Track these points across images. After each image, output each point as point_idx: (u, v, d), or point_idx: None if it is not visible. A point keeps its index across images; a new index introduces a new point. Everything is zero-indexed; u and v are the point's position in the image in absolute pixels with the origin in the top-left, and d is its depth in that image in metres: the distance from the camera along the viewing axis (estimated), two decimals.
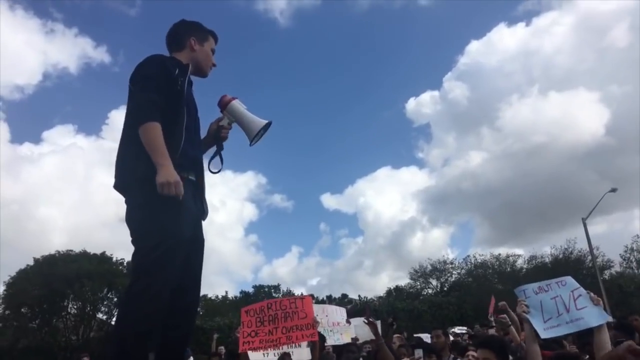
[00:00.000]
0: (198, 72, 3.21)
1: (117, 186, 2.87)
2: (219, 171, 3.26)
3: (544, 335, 3.45)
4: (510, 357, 4.11)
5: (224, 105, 3.22)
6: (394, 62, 76.30)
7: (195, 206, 2.96)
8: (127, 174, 2.82)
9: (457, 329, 15.29)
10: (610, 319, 3.33)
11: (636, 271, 34.84)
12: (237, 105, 3.22)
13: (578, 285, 3.54)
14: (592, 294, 3.42)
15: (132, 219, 2.79)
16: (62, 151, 57.70)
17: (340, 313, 8.89)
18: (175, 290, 2.69)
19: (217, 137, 3.29)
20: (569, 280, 3.59)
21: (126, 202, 2.85)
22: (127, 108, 2.97)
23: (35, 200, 49.63)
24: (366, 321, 5.83)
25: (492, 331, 8.67)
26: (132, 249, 2.73)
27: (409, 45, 78.04)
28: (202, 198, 3.08)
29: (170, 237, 2.66)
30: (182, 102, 2.92)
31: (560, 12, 69.17)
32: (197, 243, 2.96)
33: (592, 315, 3.35)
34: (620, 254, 35.57)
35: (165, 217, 2.67)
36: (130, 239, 2.78)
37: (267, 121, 3.24)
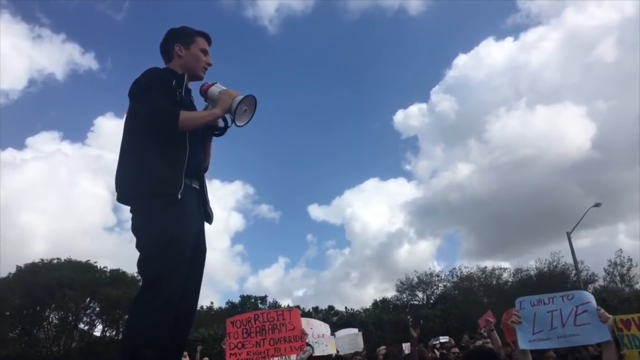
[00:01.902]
0: (192, 77, 3.16)
1: (121, 199, 2.87)
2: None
3: (526, 346, 3.44)
4: None
5: (203, 93, 3.11)
6: (382, 75, 76.95)
7: (198, 214, 2.98)
8: (131, 186, 2.84)
9: (441, 339, 15.30)
10: (609, 338, 3.28)
11: (620, 285, 35.19)
12: (215, 88, 3.07)
13: (589, 300, 3.43)
14: (601, 311, 3.35)
15: (137, 228, 2.81)
16: (45, 158, 57.14)
17: (324, 327, 9.07)
18: (179, 295, 2.71)
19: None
20: (579, 294, 3.53)
21: (131, 210, 2.85)
22: (127, 122, 2.96)
23: (17, 206, 48.87)
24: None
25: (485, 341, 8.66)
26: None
27: (397, 58, 78.90)
28: (206, 204, 3.12)
29: (175, 244, 2.69)
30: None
31: (547, 27, 70.30)
32: (199, 251, 2.97)
33: (591, 332, 3.30)
34: (604, 268, 35.96)
35: (170, 225, 2.69)
36: (135, 247, 2.79)
37: (243, 96, 2.99)
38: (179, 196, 2.78)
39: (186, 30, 3.20)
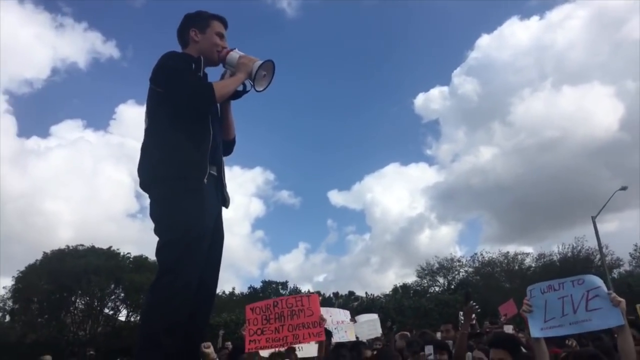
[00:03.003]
0: (208, 62, 3.13)
1: (142, 184, 2.90)
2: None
3: (538, 334, 3.37)
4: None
5: (222, 59, 3.12)
6: (402, 57, 75.99)
7: (217, 200, 2.99)
8: (150, 172, 2.86)
9: (461, 316, 15.15)
10: (623, 322, 3.19)
11: None
12: (234, 54, 3.09)
13: (599, 284, 3.34)
14: (613, 295, 3.26)
15: (156, 214, 2.83)
16: (69, 145, 58.14)
17: (343, 314, 9.06)
18: (198, 281, 2.74)
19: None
20: (589, 278, 3.43)
21: (150, 196, 2.88)
22: (150, 108, 2.97)
23: (42, 194, 50.05)
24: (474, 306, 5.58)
25: (507, 329, 8.55)
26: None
27: (417, 40, 77.79)
28: (223, 189, 3.12)
29: (194, 230, 2.71)
30: None
31: (574, 5, 68.66)
32: (217, 236, 2.99)
33: (604, 317, 3.23)
34: (630, 253, 35.33)
35: (188, 211, 2.71)
36: (154, 232, 2.82)
37: (262, 61, 3.04)
38: (205, 181, 2.81)
39: (202, 14, 3.18)
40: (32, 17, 62.84)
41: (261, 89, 3.11)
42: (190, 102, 2.84)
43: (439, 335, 8.65)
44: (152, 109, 2.97)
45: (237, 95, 3.16)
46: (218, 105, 3.15)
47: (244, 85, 3.10)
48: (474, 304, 5.56)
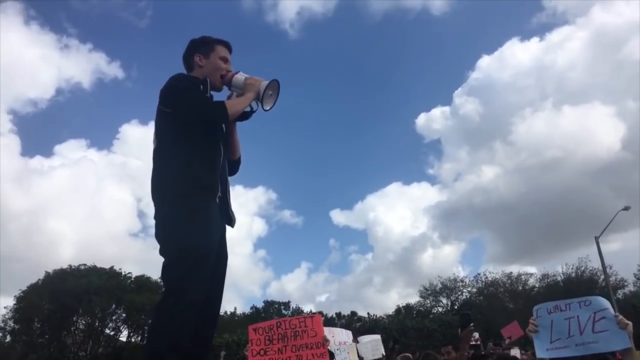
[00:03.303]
0: (212, 87, 3.17)
1: (155, 201, 2.92)
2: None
3: (544, 355, 3.36)
4: None
5: (228, 81, 3.17)
6: (404, 77, 76.70)
7: (221, 220, 3.00)
8: (158, 191, 2.89)
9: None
10: (630, 345, 3.19)
11: None
12: (239, 76, 3.15)
13: (607, 307, 3.33)
14: (620, 317, 3.25)
15: (162, 234, 2.83)
16: (72, 165, 58.34)
17: (346, 334, 9.01)
18: (203, 301, 2.74)
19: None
20: (596, 300, 3.42)
21: (155, 216, 2.89)
22: (160, 129, 3.00)
23: (45, 213, 50.10)
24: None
25: (513, 352, 8.48)
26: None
27: (419, 60, 78.46)
28: (229, 208, 3.13)
29: (199, 249, 2.71)
30: None
31: (574, 26, 69.22)
32: (221, 258, 3.00)
33: (611, 340, 3.22)
34: (634, 273, 35.08)
35: (194, 230, 2.73)
36: (159, 253, 2.82)
37: (268, 81, 3.11)
38: (217, 200, 2.86)
39: (206, 39, 3.23)
40: (38, 38, 63.97)
41: (268, 108, 3.17)
42: (204, 119, 2.90)
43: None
44: (160, 129, 3.00)
45: (245, 116, 3.20)
46: (223, 125, 3.20)
47: (251, 106, 3.15)
48: (472, 325, 5.50)
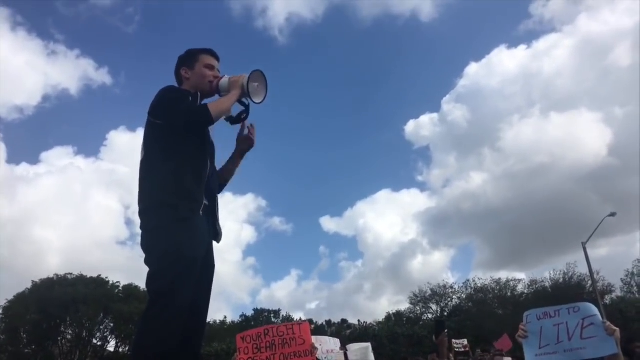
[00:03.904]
0: (203, 96, 3.17)
1: (139, 211, 2.90)
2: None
3: None
4: None
5: (215, 89, 3.14)
6: (393, 85, 77.38)
7: (207, 231, 2.99)
8: (144, 201, 2.88)
9: (455, 343, 14.96)
10: (617, 351, 3.24)
11: (637, 296, 34.60)
12: (224, 80, 3.12)
13: (595, 313, 3.37)
14: (607, 324, 3.30)
15: (147, 243, 2.82)
16: (59, 172, 57.99)
17: (333, 342, 9.05)
18: (190, 309, 2.73)
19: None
20: (585, 306, 3.46)
21: (141, 226, 2.87)
22: (148, 140, 3.01)
23: (31, 221, 49.55)
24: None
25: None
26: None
27: (407, 67, 79.22)
28: (216, 221, 3.13)
29: (186, 257, 2.70)
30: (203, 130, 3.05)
31: (561, 34, 70.18)
32: (209, 265, 3.00)
33: (598, 345, 3.26)
34: (621, 279, 35.43)
35: (180, 240, 2.71)
36: (144, 262, 2.80)
37: (249, 74, 3.05)
38: (200, 212, 2.84)
39: (189, 52, 3.25)
40: (24, 44, 63.55)
41: (259, 101, 3.13)
42: (187, 123, 2.89)
43: None
44: (148, 140, 3.01)
45: (239, 118, 3.21)
46: (214, 143, 3.21)
47: (244, 104, 3.15)
48: (446, 332, 5.62)
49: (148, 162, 2.96)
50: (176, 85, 3.23)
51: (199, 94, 3.11)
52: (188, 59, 3.22)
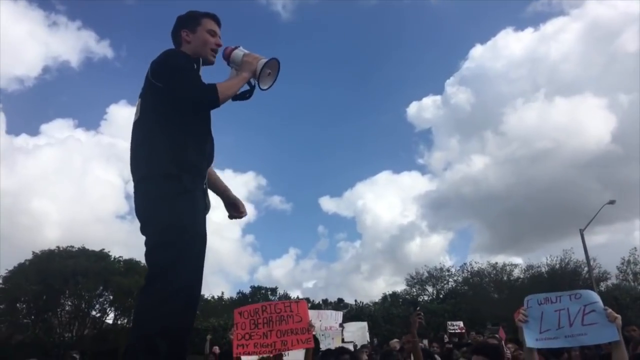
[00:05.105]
0: (203, 62, 3.08)
1: (136, 177, 2.82)
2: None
3: (533, 344, 3.42)
4: None
5: (226, 57, 3.06)
6: (396, 66, 76.49)
7: (205, 205, 2.95)
8: (148, 166, 2.77)
9: (450, 325, 15.10)
10: (618, 338, 3.27)
11: (632, 283, 34.85)
12: (238, 52, 3.03)
13: (597, 300, 3.41)
14: (609, 311, 3.30)
15: (147, 212, 2.75)
16: (59, 144, 57.67)
17: (334, 317, 9.03)
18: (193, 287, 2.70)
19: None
20: (587, 293, 3.49)
21: (141, 193, 2.79)
22: (149, 104, 2.89)
23: (30, 193, 49.47)
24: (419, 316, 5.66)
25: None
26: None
27: (411, 48, 78.26)
28: (205, 194, 3.05)
29: (189, 232, 2.66)
30: None
31: (568, 17, 69.28)
32: (204, 239, 2.95)
33: (599, 333, 3.29)
34: (617, 266, 35.62)
35: (184, 212, 2.66)
36: (140, 231, 2.74)
37: (267, 58, 2.98)
38: (205, 185, 2.84)
39: (191, 14, 3.12)
40: (25, 14, 62.74)
41: (266, 88, 3.05)
42: (194, 103, 2.80)
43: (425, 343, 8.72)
44: (148, 102, 2.90)
45: (243, 96, 3.09)
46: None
47: (250, 84, 3.04)
48: (419, 311, 5.71)
49: (145, 126, 2.86)
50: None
51: (200, 60, 3.03)
52: (190, 21, 3.09)
